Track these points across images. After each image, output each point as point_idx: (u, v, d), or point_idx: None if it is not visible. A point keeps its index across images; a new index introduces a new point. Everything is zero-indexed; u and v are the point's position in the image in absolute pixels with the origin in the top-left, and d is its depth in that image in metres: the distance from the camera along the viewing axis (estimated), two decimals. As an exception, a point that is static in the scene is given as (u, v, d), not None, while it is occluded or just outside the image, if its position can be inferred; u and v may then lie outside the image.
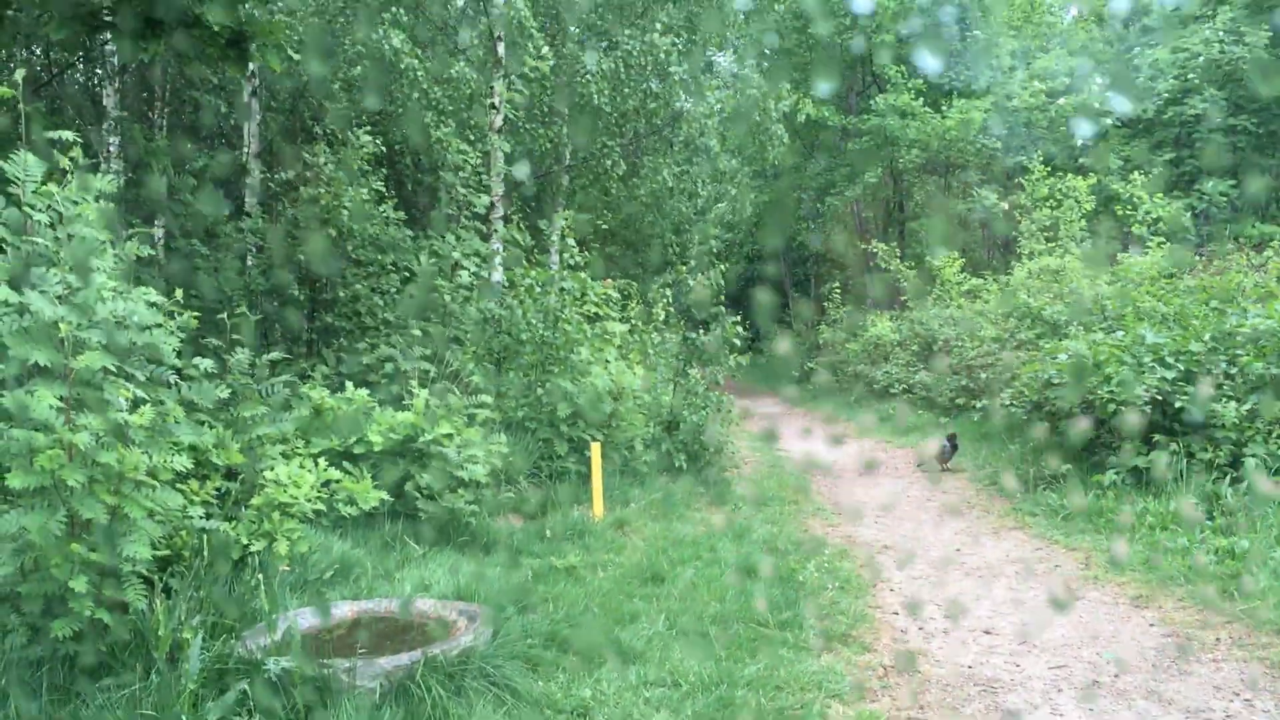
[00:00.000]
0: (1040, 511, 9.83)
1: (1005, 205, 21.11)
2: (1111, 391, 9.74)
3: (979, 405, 14.22)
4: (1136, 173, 18.39)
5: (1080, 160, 21.63)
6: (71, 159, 4.41)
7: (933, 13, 24.08)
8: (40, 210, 4.37)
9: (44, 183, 4.41)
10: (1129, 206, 17.43)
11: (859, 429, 17.59)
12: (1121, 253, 16.10)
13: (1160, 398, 9.56)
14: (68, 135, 4.39)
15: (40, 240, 4.33)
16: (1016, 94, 23.40)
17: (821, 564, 8.08)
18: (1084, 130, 22.69)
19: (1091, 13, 27.26)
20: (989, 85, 24.16)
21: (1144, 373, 9.81)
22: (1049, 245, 17.53)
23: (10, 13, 8.00)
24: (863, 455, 14.83)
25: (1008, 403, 12.06)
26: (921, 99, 24.04)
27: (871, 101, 25.46)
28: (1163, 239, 16.49)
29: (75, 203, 4.43)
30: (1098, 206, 18.97)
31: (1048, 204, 18.82)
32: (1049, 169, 20.14)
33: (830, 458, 14.40)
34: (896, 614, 6.90)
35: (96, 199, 4.51)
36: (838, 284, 26.48)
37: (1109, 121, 22.46)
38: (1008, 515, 10.04)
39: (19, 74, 4.25)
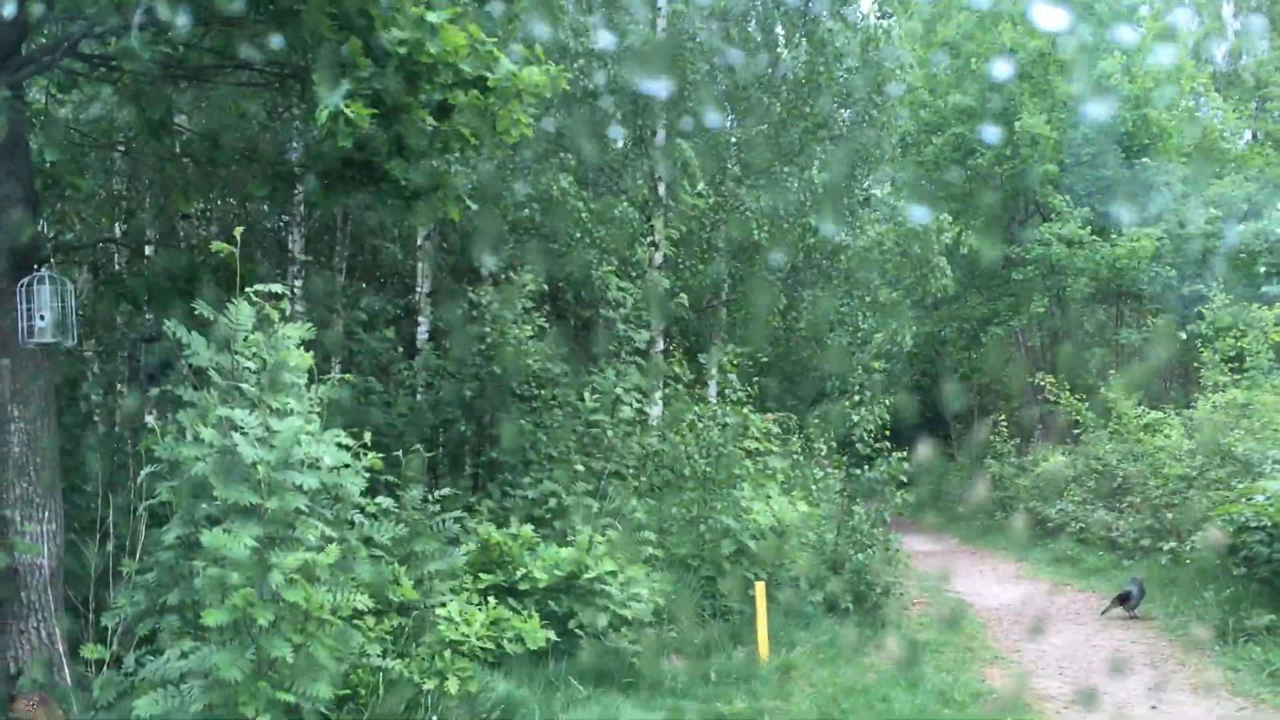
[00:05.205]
0: (1243, 667, 9.09)
1: (1183, 335, 20.19)
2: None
3: (1167, 548, 13.35)
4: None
5: (1263, 288, 20.53)
6: (280, 309, 4.70)
7: (1097, 142, 23.60)
8: (248, 357, 4.64)
9: (252, 331, 4.69)
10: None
11: (1034, 569, 16.72)
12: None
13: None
14: (277, 288, 4.69)
15: (246, 386, 4.58)
16: (1191, 220, 22.55)
17: None
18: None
19: (1267, 136, 26.33)
20: (1160, 213, 23.37)
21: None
22: (1234, 378, 16.58)
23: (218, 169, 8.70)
24: (1040, 598, 14.05)
25: (1199, 546, 11.31)
26: (1089, 226, 23.43)
27: (1036, 230, 24.95)
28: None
29: (277, 350, 4.69)
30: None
31: (1230, 334, 17.89)
32: (1230, 298, 19.23)
33: (1005, 600, 13.69)
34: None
35: (297, 346, 4.76)
36: (1004, 415, 25.59)
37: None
38: (1206, 669, 9.30)
39: (237, 231, 4.57)
